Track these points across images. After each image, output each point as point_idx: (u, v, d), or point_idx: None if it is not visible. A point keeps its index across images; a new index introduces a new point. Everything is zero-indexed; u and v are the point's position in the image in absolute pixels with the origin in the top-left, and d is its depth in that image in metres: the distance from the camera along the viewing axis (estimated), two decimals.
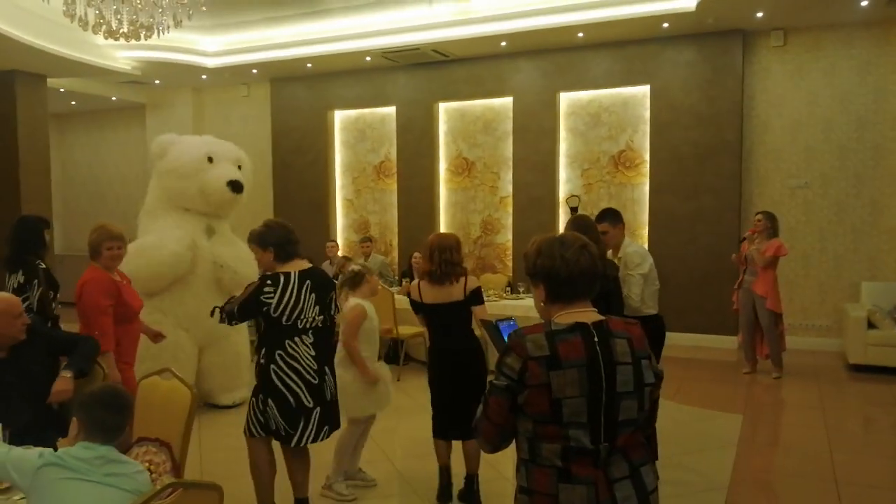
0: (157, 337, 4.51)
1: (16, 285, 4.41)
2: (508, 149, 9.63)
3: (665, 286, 8.54)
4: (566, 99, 9.31)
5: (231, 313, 3.58)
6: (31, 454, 2.31)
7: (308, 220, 10.70)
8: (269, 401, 3.53)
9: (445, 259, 3.97)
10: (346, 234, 10.87)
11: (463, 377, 4.01)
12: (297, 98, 10.87)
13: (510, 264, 9.70)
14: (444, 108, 10.06)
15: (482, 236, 9.97)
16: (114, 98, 11.61)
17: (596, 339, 1.83)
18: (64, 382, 3.33)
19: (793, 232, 8.18)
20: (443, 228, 10.10)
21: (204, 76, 10.65)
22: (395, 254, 10.40)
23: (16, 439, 2.83)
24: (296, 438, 3.55)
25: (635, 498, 1.84)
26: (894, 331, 6.97)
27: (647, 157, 8.87)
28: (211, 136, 6.60)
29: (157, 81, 11.08)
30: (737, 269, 7.26)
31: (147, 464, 2.96)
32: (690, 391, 6.53)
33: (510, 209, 9.65)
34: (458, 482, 4.11)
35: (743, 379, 6.94)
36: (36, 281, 4.47)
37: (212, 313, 3.68)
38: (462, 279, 4.01)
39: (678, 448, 4.97)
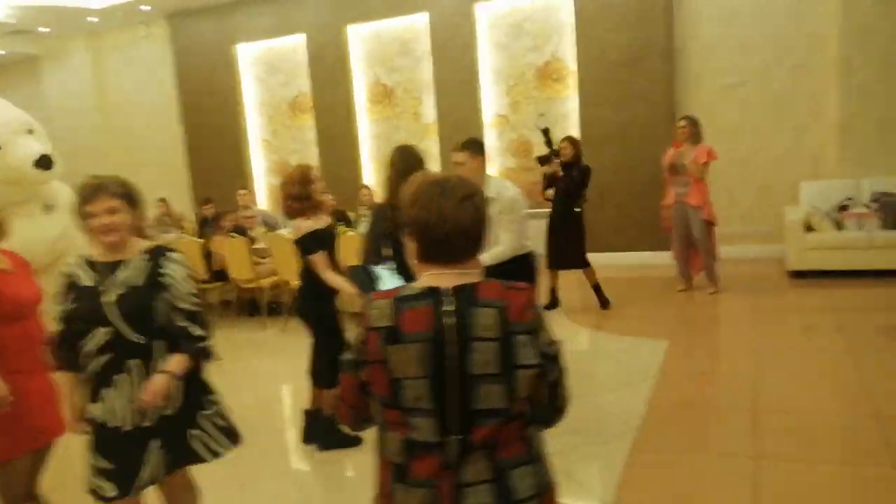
0: None
1: None
2: (428, 71, 8.91)
3: (601, 204, 8.11)
4: (485, 10, 8.54)
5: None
6: None
7: (224, 166, 10.06)
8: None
9: (287, 193, 3.72)
10: (268, 178, 10.19)
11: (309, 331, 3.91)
12: (200, 33, 9.97)
13: None
14: (357, 32, 9.25)
15: None
16: (2, 52, 10.61)
17: (450, 307, 1.48)
18: None
19: (728, 134, 7.65)
20: (366, 163, 9.47)
21: (94, 18, 9.69)
22: None
23: None
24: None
25: None
26: (833, 233, 6.57)
27: (573, 67, 8.21)
28: None
29: (43, 29, 10.09)
30: (665, 183, 6.74)
31: None
32: (618, 317, 6.13)
33: (436, 136, 9.01)
34: None
35: (676, 298, 6.54)
36: None
37: None
38: (297, 219, 3.70)
39: (594, 385, 4.59)
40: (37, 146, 5.04)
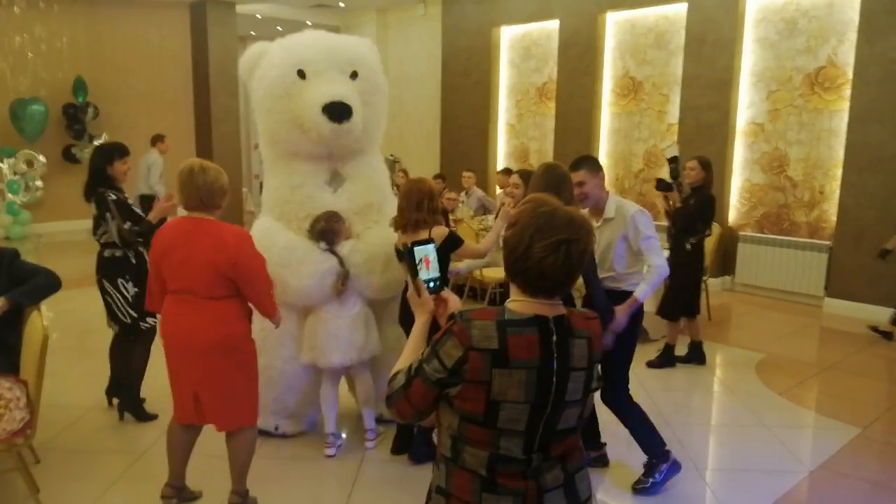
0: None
1: (92, 217, 4.20)
2: (681, 66, 8.12)
3: (855, 244, 6.71)
4: (755, 2, 7.48)
5: None
6: None
7: (471, 146, 10.37)
8: None
9: (428, 205, 3.48)
10: (507, 162, 10.25)
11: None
12: (466, 15, 10.31)
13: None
14: (613, 20, 8.76)
15: (644, 170, 8.69)
16: (309, 22, 12.14)
17: (555, 337, 1.53)
18: None
19: None
20: (603, 159, 9.01)
21: None
22: None
23: None
24: None
25: None
26: None
27: (852, 75, 6.82)
28: (319, 34, 4.01)
29: (341, 4, 11.30)
30: None
31: None
32: (824, 387, 5.05)
33: (676, 138, 8.21)
34: None
35: None
36: (108, 214, 4.07)
37: None
38: (427, 232, 3.42)
39: (733, 460, 3.89)
40: (340, 90, 3.67)
